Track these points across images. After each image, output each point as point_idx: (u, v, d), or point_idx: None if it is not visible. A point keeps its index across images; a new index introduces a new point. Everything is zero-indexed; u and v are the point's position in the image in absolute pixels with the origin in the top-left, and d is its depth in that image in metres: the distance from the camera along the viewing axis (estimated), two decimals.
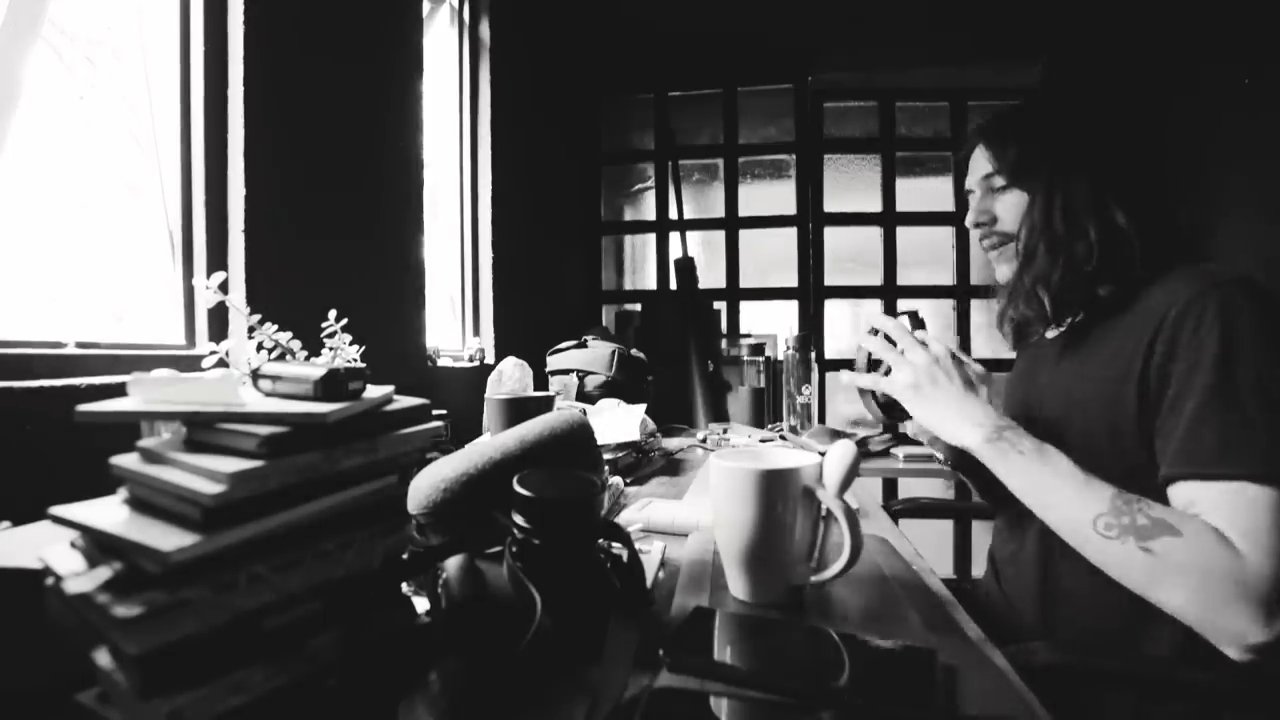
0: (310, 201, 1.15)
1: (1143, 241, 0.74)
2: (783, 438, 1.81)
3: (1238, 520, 0.59)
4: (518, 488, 0.52)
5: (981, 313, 2.81)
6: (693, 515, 0.80)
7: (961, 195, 0.93)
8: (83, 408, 0.36)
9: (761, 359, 2.25)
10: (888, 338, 0.79)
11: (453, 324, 1.93)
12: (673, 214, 2.94)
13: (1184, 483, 0.63)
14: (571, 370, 1.70)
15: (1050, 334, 0.88)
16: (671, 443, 1.51)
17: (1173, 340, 0.67)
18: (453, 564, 0.52)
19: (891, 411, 0.80)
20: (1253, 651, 0.57)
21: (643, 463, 1.24)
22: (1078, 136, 0.80)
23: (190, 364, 0.91)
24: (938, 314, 2.87)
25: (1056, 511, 0.65)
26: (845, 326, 3.00)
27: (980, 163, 0.86)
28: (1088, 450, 0.70)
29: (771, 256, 2.92)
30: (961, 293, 2.79)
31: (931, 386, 0.73)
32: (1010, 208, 0.83)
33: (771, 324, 2.91)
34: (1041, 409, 0.83)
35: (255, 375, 0.42)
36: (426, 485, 0.68)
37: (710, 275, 2.95)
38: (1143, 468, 0.68)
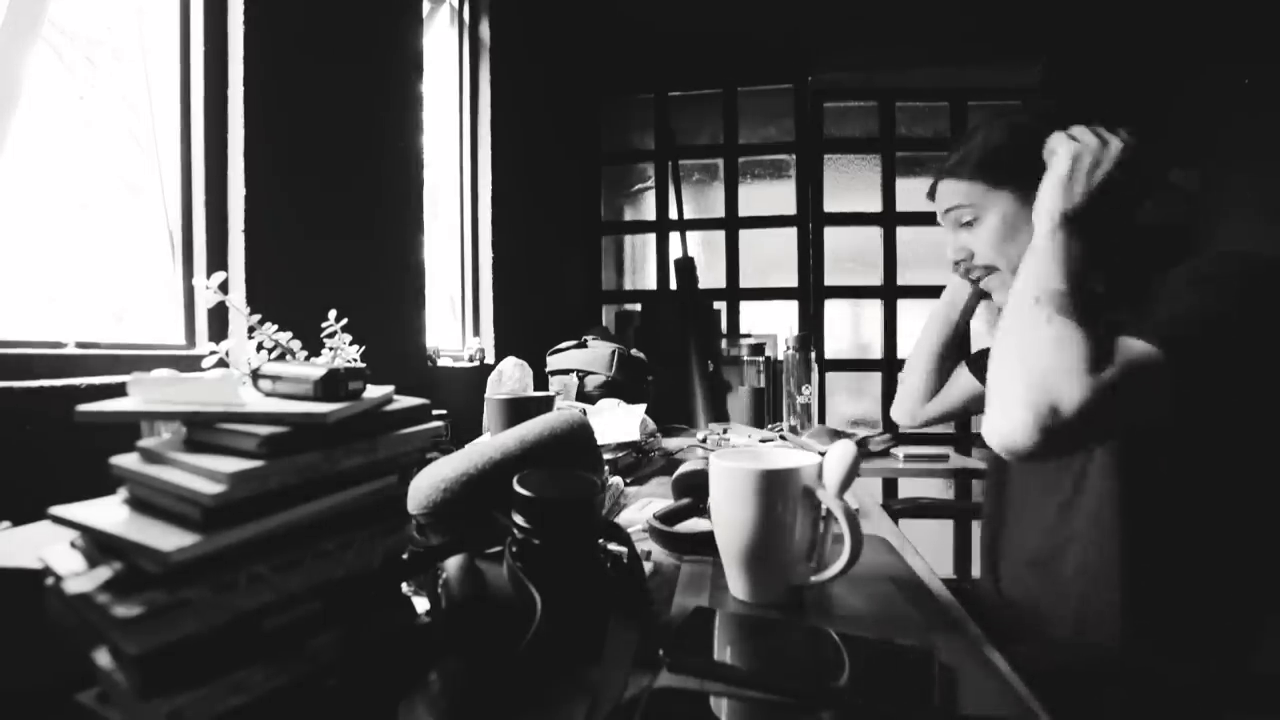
0: (310, 201, 1.15)
1: (1129, 247, 0.75)
2: (783, 438, 1.81)
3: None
4: (518, 488, 0.52)
5: (981, 312, 2.80)
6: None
7: None
8: (83, 408, 0.36)
9: (761, 359, 2.25)
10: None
11: (453, 324, 1.93)
12: (673, 214, 2.94)
13: None
14: (571, 370, 1.69)
15: None
16: (671, 443, 1.51)
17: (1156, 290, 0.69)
18: (453, 564, 0.52)
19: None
20: (1029, 433, 0.59)
21: (643, 463, 1.24)
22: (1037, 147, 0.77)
23: (190, 364, 0.91)
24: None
25: (1022, 279, 0.69)
26: (845, 326, 3.00)
27: (944, 198, 0.85)
28: (1122, 447, 0.71)
29: (771, 256, 2.92)
30: None
31: (1078, 169, 0.71)
32: (982, 239, 0.82)
33: (771, 324, 2.91)
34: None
35: (255, 375, 0.42)
36: (426, 485, 0.68)
37: (710, 275, 2.95)
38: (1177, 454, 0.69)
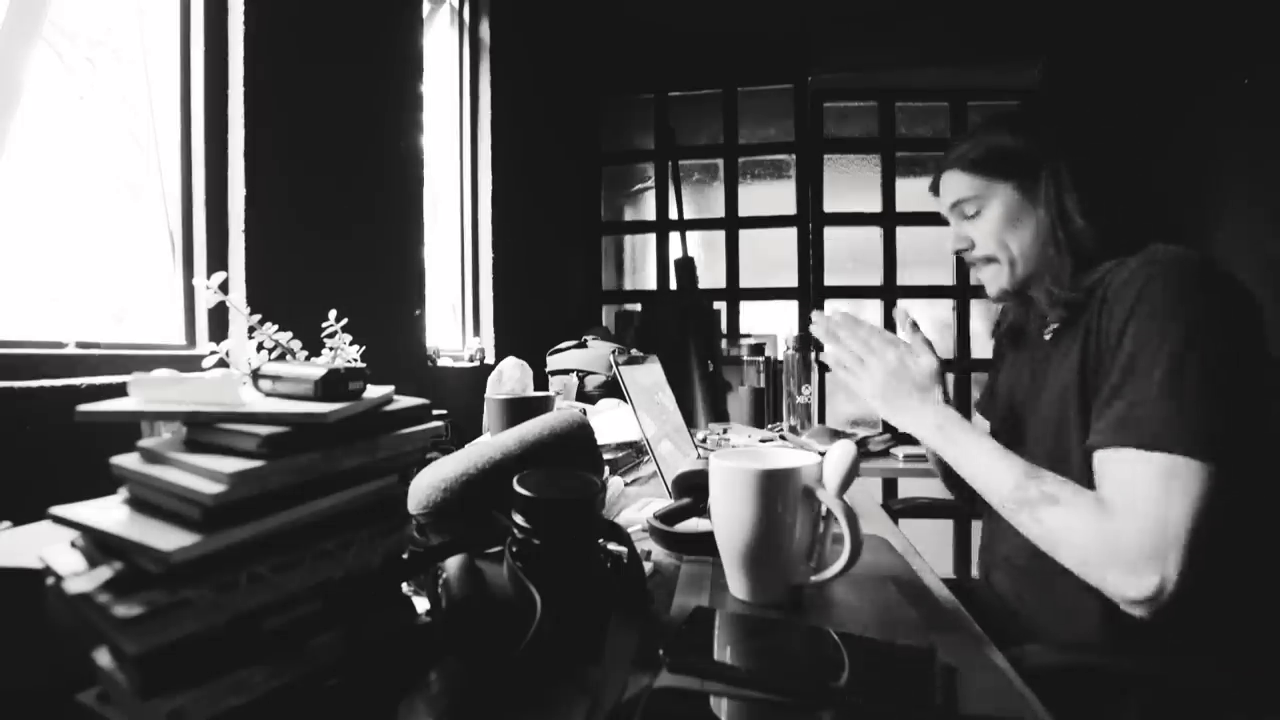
0: (310, 201, 1.15)
1: (1111, 232, 0.77)
2: (783, 438, 1.81)
3: (1120, 486, 0.64)
4: (518, 488, 0.52)
5: (981, 313, 2.81)
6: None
7: None
8: (83, 407, 0.36)
9: (761, 359, 2.25)
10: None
11: (453, 324, 1.93)
12: (673, 214, 2.94)
13: (1097, 451, 0.68)
14: (571, 370, 1.70)
15: (1046, 335, 0.89)
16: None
17: (1101, 318, 0.71)
18: (453, 564, 0.52)
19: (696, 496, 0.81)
20: (1138, 606, 0.62)
21: (643, 463, 1.24)
22: (1055, 136, 0.81)
23: (190, 364, 0.91)
24: (937, 315, 2.87)
25: (983, 490, 0.73)
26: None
27: (948, 191, 0.87)
28: (1079, 439, 0.73)
29: (771, 256, 2.92)
30: (961, 293, 2.79)
31: (894, 394, 0.80)
32: (983, 230, 0.84)
33: (771, 324, 2.91)
34: (1038, 411, 0.83)
35: (255, 375, 0.42)
36: (426, 485, 0.68)
37: (710, 275, 2.95)
38: None
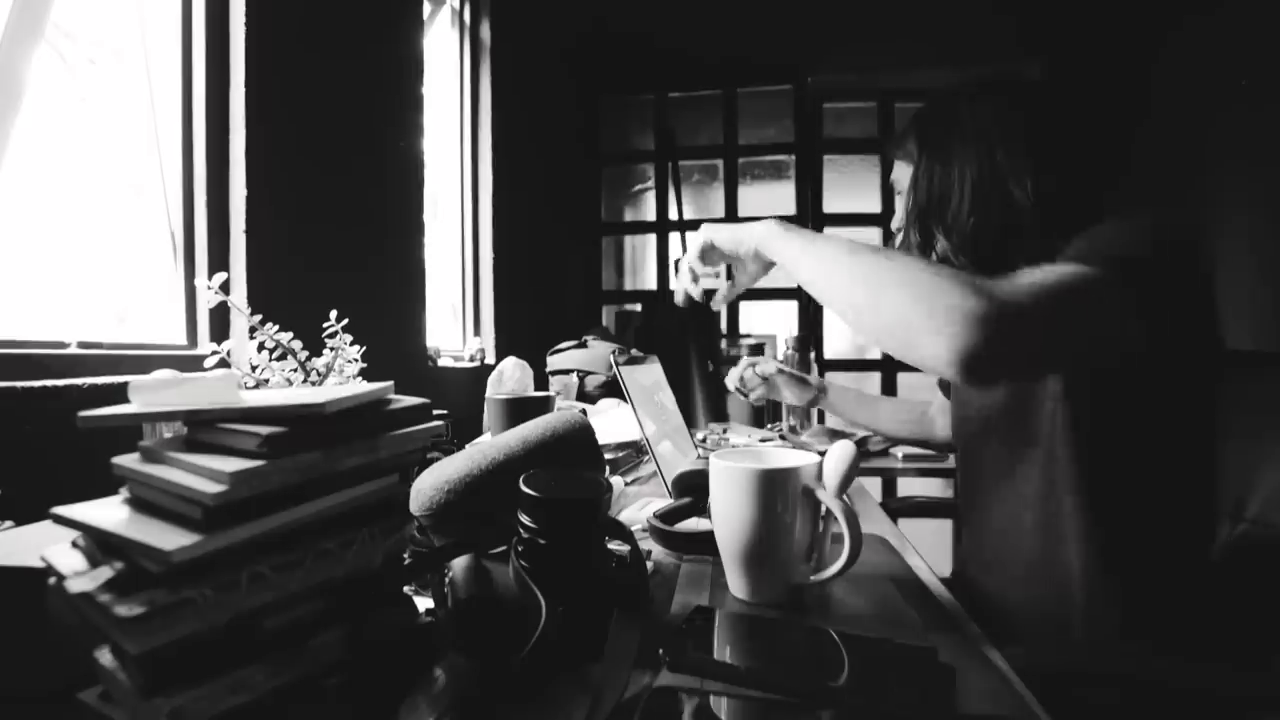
0: (311, 201, 1.15)
1: (1045, 222, 0.74)
2: (783, 438, 1.81)
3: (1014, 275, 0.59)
4: (525, 488, 0.52)
5: None
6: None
7: None
8: (85, 414, 0.36)
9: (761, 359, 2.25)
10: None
11: (453, 324, 1.93)
12: (673, 214, 2.94)
13: None
14: (571, 370, 1.70)
15: None
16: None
17: None
18: (459, 564, 0.52)
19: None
20: (958, 351, 0.54)
21: (643, 463, 1.24)
22: (983, 120, 0.84)
23: (192, 364, 0.91)
24: None
25: (846, 274, 0.65)
26: (845, 326, 2.99)
27: (900, 179, 0.90)
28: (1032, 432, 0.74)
29: None
30: None
31: (714, 233, 0.81)
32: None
33: (771, 324, 2.91)
34: (994, 407, 0.84)
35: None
36: (430, 486, 0.68)
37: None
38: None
